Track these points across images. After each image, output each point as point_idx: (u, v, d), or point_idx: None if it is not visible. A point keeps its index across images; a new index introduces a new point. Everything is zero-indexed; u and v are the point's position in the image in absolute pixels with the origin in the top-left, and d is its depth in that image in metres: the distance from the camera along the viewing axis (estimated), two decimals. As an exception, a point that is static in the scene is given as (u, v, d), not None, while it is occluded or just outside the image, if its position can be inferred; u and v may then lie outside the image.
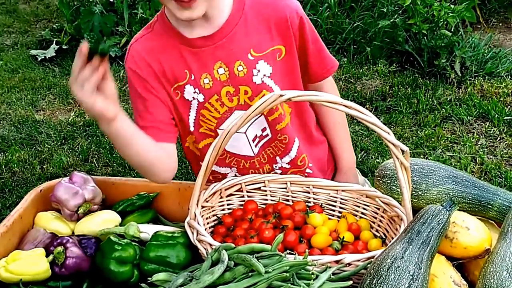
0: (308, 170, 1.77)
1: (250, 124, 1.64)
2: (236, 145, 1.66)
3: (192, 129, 1.64)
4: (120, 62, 4.54)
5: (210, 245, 1.29)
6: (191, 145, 1.72)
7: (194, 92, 1.58)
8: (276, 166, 1.74)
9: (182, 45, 1.56)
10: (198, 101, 1.59)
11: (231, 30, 1.55)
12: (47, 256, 1.36)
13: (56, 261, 1.36)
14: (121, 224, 1.53)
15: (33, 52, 4.78)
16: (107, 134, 1.47)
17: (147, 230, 1.46)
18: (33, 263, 1.34)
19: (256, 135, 1.66)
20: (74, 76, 1.30)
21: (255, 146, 1.68)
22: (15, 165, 3.30)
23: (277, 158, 1.72)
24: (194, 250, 1.36)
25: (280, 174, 1.73)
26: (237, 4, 1.55)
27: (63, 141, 3.59)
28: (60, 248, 1.36)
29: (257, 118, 1.62)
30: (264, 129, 1.66)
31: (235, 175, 1.74)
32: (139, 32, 1.64)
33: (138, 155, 1.53)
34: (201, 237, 1.32)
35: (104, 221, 1.50)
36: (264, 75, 1.58)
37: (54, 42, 4.82)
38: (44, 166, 3.31)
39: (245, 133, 1.65)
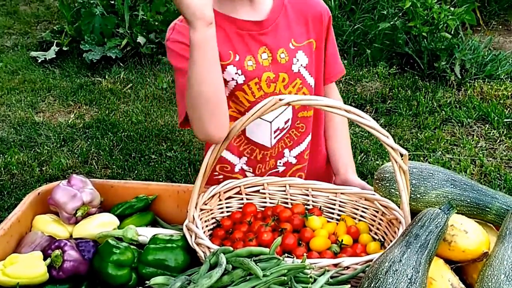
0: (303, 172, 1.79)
1: (278, 115, 1.67)
2: (257, 132, 1.69)
3: None
4: (121, 64, 4.55)
5: (209, 248, 1.29)
6: None
7: (236, 73, 1.61)
8: (280, 162, 1.75)
9: (230, 25, 1.59)
10: (236, 82, 1.61)
11: (275, 19, 1.62)
12: (44, 259, 1.36)
13: (54, 264, 1.35)
14: (119, 227, 1.53)
15: (33, 53, 4.79)
16: (199, 42, 1.35)
17: (145, 233, 1.46)
18: (31, 266, 1.33)
19: (279, 127, 1.70)
20: None
21: (274, 138, 1.71)
22: (14, 167, 3.30)
23: (286, 151, 1.74)
24: (193, 253, 1.36)
25: (283, 171, 1.75)
26: None
27: (62, 143, 3.59)
28: (57, 252, 1.35)
29: (285, 110, 1.67)
30: (287, 121, 1.70)
31: (241, 168, 1.75)
32: None
33: (214, 84, 1.42)
34: (199, 240, 1.32)
35: (102, 224, 1.49)
36: (301, 65, 1.65)
37: (55, 43, 4.82)
38: (43, 168, 3.31)
39: (271, 122, 1.68)
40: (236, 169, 1.75)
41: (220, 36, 1.55)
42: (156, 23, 4.69)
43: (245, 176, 1.74)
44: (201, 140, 1.49)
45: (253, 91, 1.63)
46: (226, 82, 1.61)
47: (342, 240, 1.43)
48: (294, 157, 1.76)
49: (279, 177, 1.62)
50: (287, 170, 1.76)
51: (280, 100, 1.23)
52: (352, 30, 4.41)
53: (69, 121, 3.83)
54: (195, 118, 1.43)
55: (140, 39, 4.58)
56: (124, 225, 1.52)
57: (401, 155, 1.25)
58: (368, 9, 4.56)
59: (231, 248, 1.23)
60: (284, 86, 1.65)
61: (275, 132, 1.70)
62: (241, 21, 1.60)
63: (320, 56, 1.72)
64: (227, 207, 1.57)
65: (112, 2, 4.94)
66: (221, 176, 1.76)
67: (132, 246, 1.40)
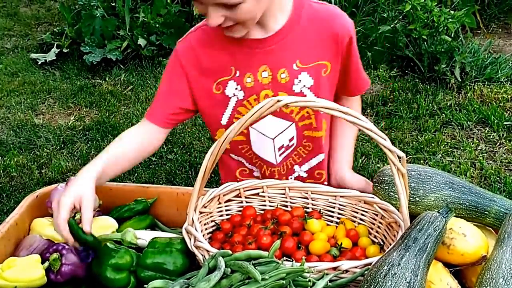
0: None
1: (280, 132, 1.69)
2: (262, 148, 1.71)
3: (224, 123, 1.69)
4: (121, 66, 4.55)
5: (208, 251, 1.29)
6: None
7: (236, 89, 1.64)
8: (292, 178, 1.77)
9: (234, 43, 1.60)
10: (237, 98, 1.65)
11: (283, 38, 1.60)
12: (42, 263, 1.35)
13: (52, 268, 1.35)
14: (118, 230, 1.52)
15: (33, 55, 4.79)
16: None
17: (144, 237, 1.45)
18: (29, 270, 1.33)
19: (283, 145, 1.71)
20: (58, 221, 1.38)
21: (280, 155, 1.73)
22: (13, 169, 3.30)
23: (296, 167, 1.75)
24: (192, 256, 1.36)
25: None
26: (294, 15, 1.60)
27: (62, 145, 3.59)
28: (55, 255, 1.35)
29: (288, 127, 1.68)
30: (291, 139, 1.71)
31: (258, 177, 1.77)
32: (201, 22, 1.69)
33: (126, 168, 1.66)
34: (198, 243, 1.31)
35: (100, 227, 1.49)
36: (304, 85, 1.64)
37: (55, 45, 4.83)
38: (43, 171, 3.31)
39: (273, 139, 1.69)
40: (255, 175, 1.79)
41: (225, 52, 1.63)
42: (157, 25, 4.69)
43: None
44: None
45: (254, 106, 1.62)
46: (228, 98, 1.66)
47: (341, 244, 1.43)
48: (304, 171, 1.77)
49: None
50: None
51: (278, 101, 1.23)
52: (352, 32, 4.41)
53: (69, 123, 3.83)
54: None
55: (141, 41, 4.58)
56: (123, 228, 1.51)
57: (399, 157, 1.25)
58: (368, 12, 4.56)
59: (230, 252, 1.23)
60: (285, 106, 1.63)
61: (279, 149, 1.72)
62: (246, 40, 1.60)
63: (334, 78, 1.69)
64: (226, 210, 1.57)
65: (113, 4, 4.94)
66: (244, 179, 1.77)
67: (130, 250, 1.39)
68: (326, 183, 1.82)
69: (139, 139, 1.67)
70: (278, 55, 1.61)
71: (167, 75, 1.71)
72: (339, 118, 1.77)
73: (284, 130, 1.69)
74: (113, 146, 1.61)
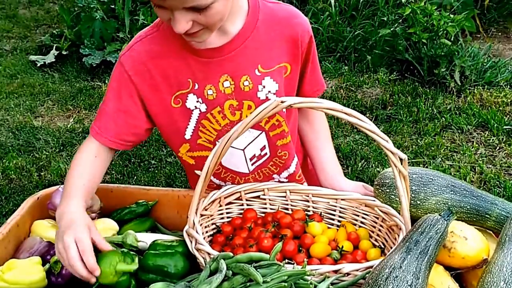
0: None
1: (250, 142, 1.62)
2: (232, 160, 1.64)
3: (188, 137, 1.59)
4: (120, 69, 4.55)
5: (209, 254, 1.28)
6: (184, 155, 1.65)
7: (197, 102, 1.53)
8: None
9: (188, 53, 1.49)
10: (200, 110, 1.54)
11: (241, 44, 1.50)
12: (43, 265, 1.35)
13: (53, 270, 1.35)
14: (119, 233, 1.52)
15: (33, 57, 4.79)
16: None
17: (145, 239, 1.45)
18: (29, 272, 1.33)
19: (255, 154, 1.64)
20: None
21: (252, 164, 1.66)
22: (12, 172, 3.29)
23: (275, 176, 1.71)
24: (193, 259, 1.35)
25: None
26: (251, 18, 1.50)
27: (61, 148, 3.58)
28: (56, 257, 1.35)
29: (257, 137, 1.60)
30: (263, 148, 1.63)
31: None
32: (144, 30, 1.55)
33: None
34: (199, 246, 1.31)
35: (102, 230, 1.48)
36: (269, 91, 1.55)
37: (54, 47, 4.82)
38: (42, 173, 3.30)
39: (243, 150, 1.63)
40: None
41: (180, 64, 1.50)
42: (156, 28, 4.69)
43: None
44: None
45: (218, 120, 1.56)
46: (190, 111, 1.55)
47: (342, 247, 1.43)
48: (285, 178, 1.73)
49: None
50: None
51: (282, 102, 1.22)
52: (352, 36, 4.42)
53: (68, 126, 3.82)
54: None
55: (140, 44, 4.58)
56: (123, 231, 1.51)
57: (401, 159, 1.25)
58: (368, 16, 4.57)
59: (231, 254, 1.23)
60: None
61: (251, 159, 1.65)
62: (201, 50, 1.48)
63: (294, 80, 1.61)
64: (227, 213, 1.57)
65: (113, 6, 4.94)
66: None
67: (131, 252, 1.39)
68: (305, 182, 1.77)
69: (97, 163, 1.53)
70: (238, 62, 1.50)
71: (114, 92, 1.53)
72: (307, 127, 1.77)
73: (254, 140, 1.61)
74: (77, 174, 1.50)
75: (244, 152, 1.63)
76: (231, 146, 1.59)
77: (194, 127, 1.57)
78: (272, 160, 1.67)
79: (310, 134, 1.77)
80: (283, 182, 1.73)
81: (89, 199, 1.49)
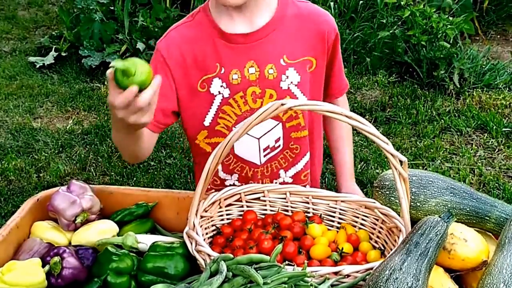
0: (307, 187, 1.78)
1: (266, 132, 1.66)
2: (245, 149, 1.68)
3: (207, 124, 1.65)
4: (119, 70, 4.54)
5: (209, 255, 1.28)
6: (202, 142, 1.70)
7: (221, 86, 1.61)
8: (276, 182, 1.75)
9: (218, 38, 1.58)
10: (223, 96, 1.61)
11: (269, 33, 1.59)
12: (43, 266, 1.34)
13: (53, 271, 1.34)
14: (119, 234, 1.52)
15: (32, 59, 4.78)
16: (122, 134, 1.42)
17: (145, 241, 1.45)
18: (29, 273, 1.32)
19: (269, 145, 1.68)
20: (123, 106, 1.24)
21: (264, 156, 1.69)
22: (11, 173, 3.29)
23: (281, 171, 1.73)
24: (193, 261, 1.35)
25: None
26: (280, 11, 1.60)
27: (60, 149, 3.58)
28: (56, 259, 1.34)
29: (274, 127, 1.65)
30: (277, 139, 1.68)
31: (233, 184, 1.74)
32: (181, 20, 1.67)
33: (136, 150, 1.55)
34: (199, 247, 1.31)
35: (101, 231, 1.48)
36: (291, 82, 1.62)
37: (53, 49, 4.82)
38: (41, 175, 3.29)
39: (258, 139, 1.66)
40: (227, 183, 1.75)
41: (209, 48, 1.59)
42: (156, 30, 4.70)
43: None
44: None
45: (239, 105, 1.62)
46: (213, 96, 1.62)
47: (342, 248, 1.43)
48: (290, 177, 1.75)
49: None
50: None
51: (282, 104, 1.23)
52: (351, 38, 4.42)
53: (67, 127, 3.82)
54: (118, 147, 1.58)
55: (140, 45, 4.58)
56: (123, 232, 1.51)
57: (401, 162, 1.25)
58: (367, 18, 4.58)
59: (232, 256, 1.23)
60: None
61: (264, 150, 1.68)
62: (231, 35, 1.58)
63: (321, 75, 1.68)
64: (227, 214, 1.57)
65: (112, 8, 4.95)
66: (212, 190, 1.75)
67: (131, 254, 1.39)
68: (309, 184, 1.80)
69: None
70: (265, 50, 1.59)
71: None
72: (328, 128, 1.82)
73: (270, 130, 1.66)
74: None
75: (259, 142, 1.67)
76: (248, 134, 1.60)
77: (215, 113, 1.64)
78: (283, 153, 1.70)
79: (331, 135, 1.85)
80: (287, 182, 1.75)
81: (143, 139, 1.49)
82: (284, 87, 1.61)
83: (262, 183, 1.73)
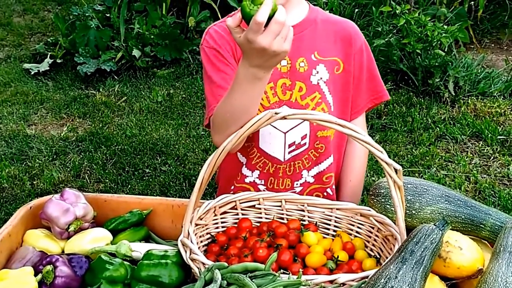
0: (329, 190, 1.79)
1: (293, 127, 1.67)
2: (271, 143, 1.69)
3: None
4: (115, 77, 4.54)
5: (203, 264, 1.27)
6: None
7: None
8: (297, 183, 1.75)
9: None
10: None
11: (302, 31, 1.66)
12: (35, 275, 1.33)
13: (45, 280, 1.33)
14: (112, 242, 1.51)
15: (27, 65, 4.77)
16: (263, 80, 1.39)
17: (139, 249, 1.44)
18: (21, 282, 1.30)
19: (295, 142, 1.69)
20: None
21: (288, 153, 1.70)
22: (5, 180, 3.26)
23: (304, 172, 1.74)
24: (187, 269, 1.34)
25: (300, 191, 1.75)
26: (310, 14, 1.70)
27: (54, 156, 3.56)
28: (49, 267, 1.33)
29: (301, 123, 1.67)
30: (304, 137, 1.69)
31: (253, 182, 1.74)
32: (218, 21, 1.75)
33: (256, 104, 1.46)
34: (194, 255, 1.30)
35: (95, 239, 1.47)
36: (321, 78, 1.66)
37: (48, 56, 4.81)
38: (35, 182, 3.27)
39: (285, 133, 1.67)
40: (247, 180, 1.76)
41: None
42: (152, 37, 4.70)
43: (257, 189, 1.75)
44: (214, 144, 1.53)
45: (268, 96, 1.65)
46: None
47: (337, 256, 1.42)
48: (312, 176, 1.76)
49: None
50: (304, 190, 1.76)
51: (276, 113, 1.23)
52: (346, 46, 4.43)
53: (62, 134, 3.80)
54: (220, 129, 1.48)
55: (135, 52, 4.59)
56: (117, 240, 1.50)
57: (396, 170, 1.25)
58: (363, 26, 4.59)
59: (226, 264, 1.22)
60: (301, 96, 1.66)
61: (290, 146, 1.70)
62: None
63: (348, 79, 1.71)
64: (222, 222, 1.56)
65: (108, 15, 4.95)
66: (233, 187, 1.77)
67: (125, 262, 1.38)
68: (334, 186, 1.81)
69: None
70: (297, 45, 1.63)
71: (214, 71, 1.65)
72: (355, 149, 1.81)
73: (297, 125, 1.68)
74: None
75: (285, 136, 1.68)
76: (273, 126, 1.65)
77: None
78: (308, 153, 1.72)
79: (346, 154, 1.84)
80: (308, 182, 1.75)
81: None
82: (314, 81, 1.66)
83: (283, 183, 1.74)
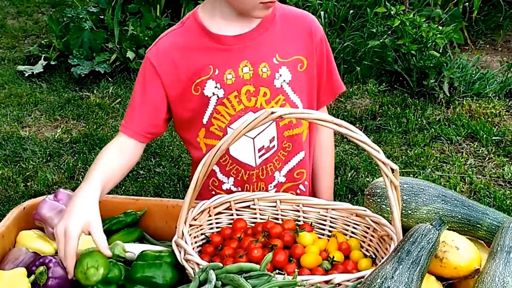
0: (301, 187, 1.78)
1: (261, 132, 1.66)
2: (241, 150, 1.68)
3: (204, 122, 1.67)
4: (110, 79, 4.53)
5: (198, 264, 1.27)
6: (202, 140, 1.71)
7: (215, 87, 1.62)
8: (271, 186, 1.74)
9: (211, 41, 1.61)
10: (217, 96, 1.63)
11: (261, 34, 1.63)
12: (28, 276, 1.32)
13: (38, 281, 1.32)
14: (106, 243, 1.50)
15: (20, 67, 4.75)
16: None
17: (133, 250, 1.43)
18: (14, 283, 1.29)
19: (263, 146, 1.68)
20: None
21: (259, 157, 1.70)
22: (-2, 182, 3.25)
23: (276, 173, 1.73)
24: (181, 270, 1.34)
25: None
26: (268, 15, 1.64)
27: (48, 158, 3.54)
28: (42, 268, 1.32)
29: (268, 126, 1.66)
30: (272, 139, 1.68)
31: (229, 189, 1.73)
32: (170, 28, 1.70)
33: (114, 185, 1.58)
34: (188, 256, 1.29)
35: (88, 240, 1.45)
36: (284, 80, 1.65)
37: (42, 58, 4.79)
38: (28, 184, 3.26)
39: (253, 139, 1.67)
40: (224, 187, 1.75)
41: (202, 52, 1.62)
42: (146, 38, 4.69)
43: None
44: None
45: (233, 105, 1.64)
46: (208, 98, 1.63)
47: (333, 257, 1.41)
48: (283, 176, 1.75)
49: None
50: (278, 191, 1.75)
51: (272, 113, 1.22)
52: (341, 47, 4.43)
53: (56, 136, 3.79)
54: None
55: (130, 54, 4.57)
56: (111, 241, 1.49)
57: (392, 170, 1.25)
58: (357, 27, 4.60)
59: (221, 264, 1.22)
60: (266, 101, 1.65)
61: (259, 150, 1.69)
62: (224, 37, 1.61)
63: (312, 74, 1.70)
64: (216, 223, 1.55)
65: (102, 17, 4.93)
66: (213, 192, 1.75)
67: (119, 263, 1.37)
68: (306, 182, 1.80)
69: (121, 156, 1.61)
70: (258, 49, 1.62)
71: (140, 86, 1.66)
72: (316, 142, 1.81)
73: (265, 129, 1.67)
74: (100, 163, 1.54)
75: (254, 142, 1.67)
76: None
77: (210, 114, 1.65)
78: (278, 154, 1.71)
79: (314, 144, 1.84)
80: (281, 183, 1.74)
81: (108, 188, 1.52)
82: (277, 85, 1.64)
83: (257, 187, 1.72)
